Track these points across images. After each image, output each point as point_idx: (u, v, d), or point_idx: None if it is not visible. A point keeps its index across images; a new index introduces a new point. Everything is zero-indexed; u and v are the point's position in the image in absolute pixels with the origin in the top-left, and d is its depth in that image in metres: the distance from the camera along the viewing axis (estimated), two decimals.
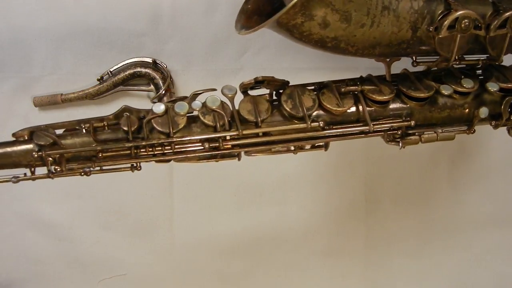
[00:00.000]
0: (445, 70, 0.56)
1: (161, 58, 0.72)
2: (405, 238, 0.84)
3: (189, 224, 0.80)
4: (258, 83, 0.52)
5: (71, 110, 0.74)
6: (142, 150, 0.49)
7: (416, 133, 0.54)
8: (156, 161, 0.50)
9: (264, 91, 0.54)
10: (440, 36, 0.50)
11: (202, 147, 0.50)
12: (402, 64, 0.57)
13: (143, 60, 0.72)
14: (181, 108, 0.49)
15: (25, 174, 0.50)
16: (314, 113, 0.52)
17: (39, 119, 0.74)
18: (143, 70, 0.71)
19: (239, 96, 0.52)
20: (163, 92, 0.71)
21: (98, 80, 0.72)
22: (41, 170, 0.50)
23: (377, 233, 0.83)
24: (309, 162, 0.80)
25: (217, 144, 0.50)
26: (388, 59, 0.55)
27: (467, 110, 0.55)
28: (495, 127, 0.56)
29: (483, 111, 0.55)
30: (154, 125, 0.49)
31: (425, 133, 0.54)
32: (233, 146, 0.50)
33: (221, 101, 0.50)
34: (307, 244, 0.83)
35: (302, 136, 0.51)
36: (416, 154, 0.81)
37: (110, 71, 0.72)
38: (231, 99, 0.51)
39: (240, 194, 0.80)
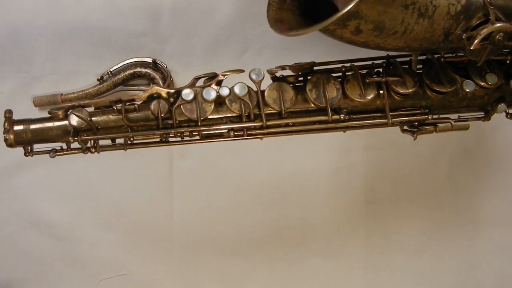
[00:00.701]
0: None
1: (161, 58, 0.72)
2: (405, 238, 0.84)
3: (189, 224, 0.80)
4: (284, 69, 0.54)
5: None
6: (171, 135, 0.51)
7: (431, 124, 0.54)
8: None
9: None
10: (471, 48, 0.50)
11: (227, 135, 0.52)
12: None
13: (143, 60, 0.72)
14: (209, 95, 0.51)
15: (61, 147, 0.53)
16: (336, 101, 0.53)
17: None
18: (143, 70, 0.71)
19: (267, 80, 0.54)
20: None
21: (98, 80, 0.72)
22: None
23: (377, 233, 0.83)
24: (309, 162, 0.80)
25: (242, 133, 0.52)
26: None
27: (486, 99, 0.56)
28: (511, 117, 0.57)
29: (501, 108, 0.55)
30: (183, 111, 0.51)
31: (440, 124, 0.54)
32: (257, 134, 0.53)
33: (248, 89, 0.52)
34: (307, 244, 0.83)
35: (323, 127, 0.53)
36: (416, 154, 0.81)
37: (110, 71, 0.72)
38: (258, 85, 0.52)
39: (240, 194, 0.80)
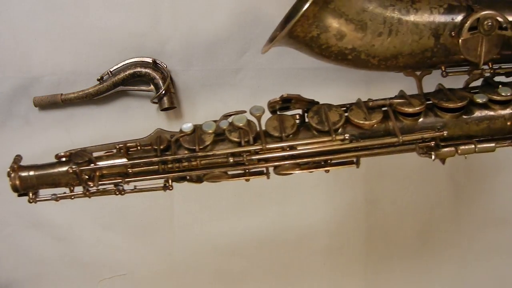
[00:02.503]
0: (484, 82, 0.55)
1: (161, 58, 0.72)
2: (405, 238, 0.84)
3: (189, 224, 0.80)
4: (285, 101, 0.52)
5: (71, 110, 0.74)
6: (169, 165, 0.50)
7: (452, 145, 0.51)
8: (188, 181, 0.53)
9: (294, 112, 0.54)
10: (462, 39, 0.49)
11: (227, 162, 0.50)
12: (435, 80, 0.55)
13: (143, 60, 0.72)
14: (209, 127, 0.51)
15: (64, 192, 0.55)
16: (342, 128, 0.51)
17: (39, 119, 0.74)
18: (143, 70, 0.71)
19: (268, 115, 0.53)
20: (163, 92, 0.71)
21: (98, 80, 0.72)
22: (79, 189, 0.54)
23: (377, 233, 0.83)
24: None
25: (241, 159, 0.50)
26: (418, 73, 0.54)
27: (509, 122, 0.52)
28: None
29: None
30: (182, 142, 0.51)
31: (462, 145, 0.51)
32: (259, 161, 0.51)
33: (248, 120, 0.51)
34: (307, 244, 0.83)
35: (327, 149, 0.50)
36: (416, 154, 0.81)
37: (110, 71, 0.72)
38: (258, 118, 0.51)
39: (240, 194, 0.80)
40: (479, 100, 0.51)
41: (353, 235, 0.83)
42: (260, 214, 0.81)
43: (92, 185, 0.52)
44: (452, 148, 0.51)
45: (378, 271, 0.85)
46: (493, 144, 0.52)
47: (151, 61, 0.72)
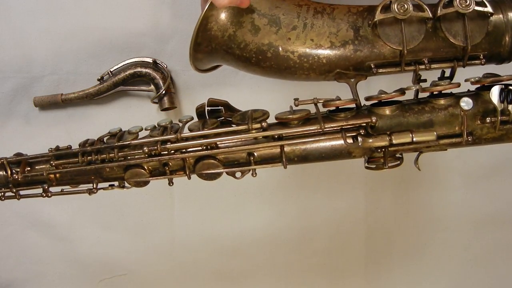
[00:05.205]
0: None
1: (161, 58, 0.72)
2: (405, 238, 0.84)
3: (189, 224, 0.80)
4: (213, 105, 0.52)
5: (71, 110, 0.74)
6: (89, 157, 0.52)
7: (384, 134, 0.49)
8: (114, 188, 0.54)
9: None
10: (377, 20, 0.48)
11: (142, 153, 0.50)
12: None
13: (143, 60, 0.72)
14: (135, 128, 0.52)
15: None
16: (263, 120, 0.49)
17: (39, 119, 0.74)
18: (144, 70, 0.71)
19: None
20: (164, 92, 0.71)
21: (98, 80, 0.72)
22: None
23: (377, 233, 0.83)
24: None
25: (156, 148, 0.50)
26: (351, 80, 0.52)
27: (455, 117, 0.49)
28: (492, 124, 0.49)
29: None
30: (105, 140, 0.52)
31: (396, 133, 0.48)
32: (175, 152, 0.50)
33: (172, 121, 0.52)
34: (307, 244, 0.83)
35: (245, 137, 0.49)
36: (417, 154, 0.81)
37: (110, 71, 0.72)
38: (184, 123, 0.52)
39: (240, 194, 0.80)
40: (413, 88, 0.49)
41: (353, 235, 0.83)
42: (260, 214, 0.81)
43: (17, 177, 0.52)
44: (385, 136, 0.48)
45: (378, 271, 0.85)
46: (434, 133, 0.48)
47: (151, 61, 0.72)
